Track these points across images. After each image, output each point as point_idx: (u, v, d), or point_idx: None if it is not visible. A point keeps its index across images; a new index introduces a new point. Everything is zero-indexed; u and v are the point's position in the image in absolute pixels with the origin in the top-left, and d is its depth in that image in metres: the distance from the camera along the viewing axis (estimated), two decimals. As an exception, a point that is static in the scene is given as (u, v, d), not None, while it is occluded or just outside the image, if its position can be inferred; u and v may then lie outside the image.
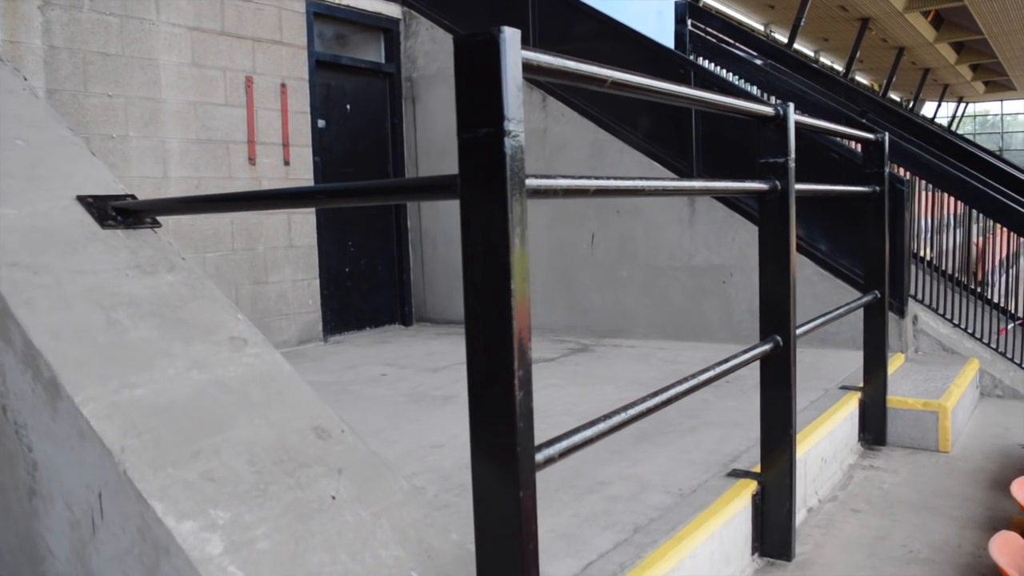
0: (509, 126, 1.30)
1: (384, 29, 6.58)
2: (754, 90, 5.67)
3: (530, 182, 1.35)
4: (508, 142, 1.30)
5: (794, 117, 2.47)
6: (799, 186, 2.54)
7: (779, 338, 2.50)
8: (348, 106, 6.31)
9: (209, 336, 1.93)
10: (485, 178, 1.32)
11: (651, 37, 5.35)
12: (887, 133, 3.29)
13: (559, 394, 4.01)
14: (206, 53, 5.18)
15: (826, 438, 3.25)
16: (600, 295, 5.75)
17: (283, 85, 5.66)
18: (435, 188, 1.45)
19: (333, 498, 1.65)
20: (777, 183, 2.47)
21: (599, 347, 5.39)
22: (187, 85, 5.08)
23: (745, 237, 5.05)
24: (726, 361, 2.30)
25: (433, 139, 6.54)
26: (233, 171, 5.37)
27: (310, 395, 1.89)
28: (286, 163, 5.67)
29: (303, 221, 5.84)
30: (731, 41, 5.64)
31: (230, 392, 1.79)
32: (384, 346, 5.85)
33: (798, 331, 2.59)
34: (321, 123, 6.05)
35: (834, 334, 4.63)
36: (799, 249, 4.88)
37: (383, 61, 6.59)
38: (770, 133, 2.48)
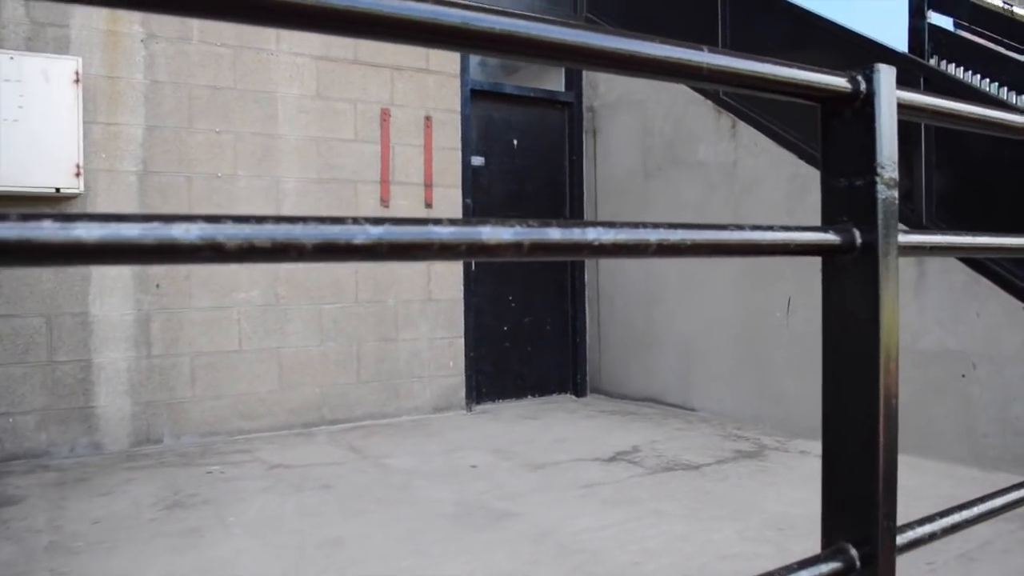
0: None
1: (566, 53, 5.73)
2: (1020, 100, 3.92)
3: None
4: None
5: (895, 93, 1.19)
6: (907, 238, 1.22)
7: (853, 550, 1.20)
8: (515, 141, 5.52)
9: None
10: None
11: (868, 35, 3.91)
12: None
13: (650, 532, 2.79)
14: (333, 84, 4.69)
15: None
16: (797, 379, 4.31)
17: (427, 118, 5.02)
18: None
19: None
20: (855, 232, 1.17)
21: (778, 452, 3.97)
22: (309, 119, 4.62)
23: (995, 313, 3.42)
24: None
25: (614, 176, 5.54)
26: (361, 213, 4.77)
27: None
28: (427, 205, 5.00)
29: (446, 272, 5.12)
30: (992, 35, 3.97)
31: None
32: (527, 423, 4.90)
33: (903, 536, 1.26)
34: (478, 160, 5.32)
35: None
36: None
37: (562, 89, 5.73)
38: (842, 127, 1.22)
